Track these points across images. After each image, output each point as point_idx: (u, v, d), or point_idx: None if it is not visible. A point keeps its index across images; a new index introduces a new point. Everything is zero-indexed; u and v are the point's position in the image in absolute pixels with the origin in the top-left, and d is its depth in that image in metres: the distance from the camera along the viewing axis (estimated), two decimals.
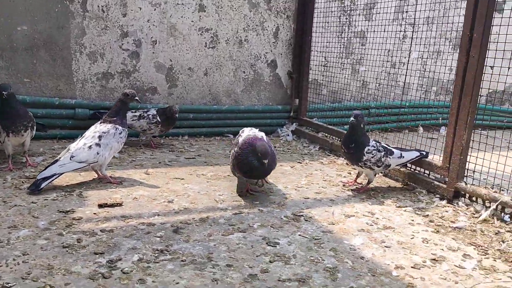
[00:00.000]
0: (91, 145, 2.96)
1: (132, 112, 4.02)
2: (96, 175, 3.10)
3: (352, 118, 3.08)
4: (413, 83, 5.43)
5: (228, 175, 3.40)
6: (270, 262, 2.05)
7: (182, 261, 2.01)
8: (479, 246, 2.33)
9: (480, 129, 3.23)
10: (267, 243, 2.25)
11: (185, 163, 3.69)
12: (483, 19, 2.78)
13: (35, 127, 3.31)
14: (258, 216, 2.61)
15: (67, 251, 2.03)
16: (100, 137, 3.01)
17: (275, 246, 2.22)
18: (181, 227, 2.37)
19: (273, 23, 4.88)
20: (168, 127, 4.11)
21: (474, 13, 2.83)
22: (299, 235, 2.38)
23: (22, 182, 2.91)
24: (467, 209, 2.88)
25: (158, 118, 3.97)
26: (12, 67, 3.92)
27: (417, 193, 3.21)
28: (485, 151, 2.90)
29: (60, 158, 2.90)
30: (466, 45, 2.88)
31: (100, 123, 3.15)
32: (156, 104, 4.46)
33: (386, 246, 2.30)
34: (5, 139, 3.14)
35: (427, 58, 5.84)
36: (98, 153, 2.96)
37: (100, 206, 2.59)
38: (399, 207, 2.90)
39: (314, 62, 5.06)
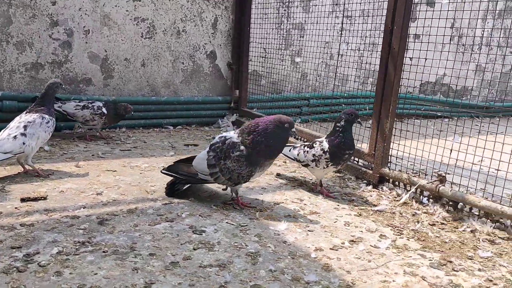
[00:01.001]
0: (16, 135, 2.86)
1: (75, 101, 3.93)
2: (22, 169, 3.00)
3: (358, 119, 2.86)
4: (351, 75, 5.61)
5: (163, 166, 3.38)
6: (194, 249, 2.08)
7: (103, 252, 1.99)
8: (395, 227, 2.48)
9: (409, 118, 3.40)
10: (193, 232, 2.27)
11: (120, 155, 3.63)
12: (402, 13, 2.92)
13: None
14: (189, 206, 2.63)
15: None
16: (25, 126, 2.91)
17: (201, 234, 2.25)
18: (107, 219, 2.35)
19: (212, 13, 4.88)
20: (112, 122, 4.04)
21: (394, 7, 2.97)
22: (227, 222, 2.42)
23: None
24: (390, 193, 3.04)
25: (103, 109, 3.88)
26: None
27: (346, 179, 3.35)
28: (412, 139, 3.07)
29: None
30: (388, 37, 3.03)
31: (26, 113, 3.05)
32: (91, 95, 4.35)
33: (309, 230, 2.39)
34: None
35: (363, 50, 6.04)
36: (24, 143, 2.87)
37: (23, 200, 2.51)
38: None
39: (254, 53, 5.11)
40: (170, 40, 4.71)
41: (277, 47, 5.29)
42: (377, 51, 6.19)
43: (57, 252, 1.96)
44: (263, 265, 1.97)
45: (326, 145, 2.87)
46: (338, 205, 2.81)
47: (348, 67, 5.44)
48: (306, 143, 3.14)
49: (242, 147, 2.51)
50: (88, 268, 1.85)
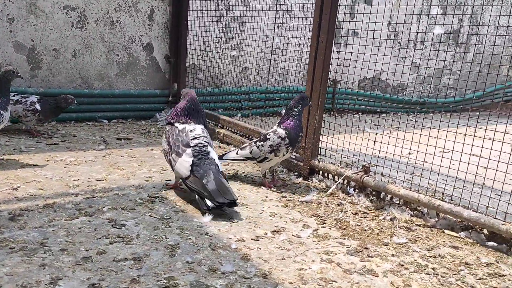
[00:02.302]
0: None
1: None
2: None
3: (310, 102, 2.99)
4: (292, 69, 5.67)
5: (91, 160, 3.26)
6: (110, 243, 2.01)
7: (10, 248, 1.88)
8: (319, 217, 2.51)
9: (348, 113, 3.47)
10: (112, 226, 2.20)
11: (44, 149, 3.46)
12: (329, 7, 2.97)
13: None
14: (112, 200, 2.54)
15: None
16: None
17: (120, 228, 2.18)
18: (19, 214, 2.22)
19: (148, 4, 4.76)
20: (50, 117, 3.84)
21: (322, 1, 3.01)
22: (149, 215, 2.36)
23: None
24: (319, 184, 3.09)
25: (36, 106, 3.67)
26: None
27: (278, 172, 3.37)
28: (345, 133, 3.13)
29: None
30: (316, 31, 3.07)
31: None
32: (17, 87, 4.11)
33: (233, 222, 2.37)
34: None
35: (304, 45, 6.12)
36: None
37: None
38: (257, 185, 3.02)
39: (193, 46, 5.04)
40: (104, 31, 4.55)
41: (217, 40, 5.24)
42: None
43: None
44: (180, 257, 1.93)
45: (282, 132, 2.88)
46: (267, 197, 2.81)
47: (289, 62, 5.51)
48: (254, 140, 3.08)
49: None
50: None
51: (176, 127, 2.78)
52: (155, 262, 1.87)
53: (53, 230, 2.09)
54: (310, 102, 3.00)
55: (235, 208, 2.55)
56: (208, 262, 1.91)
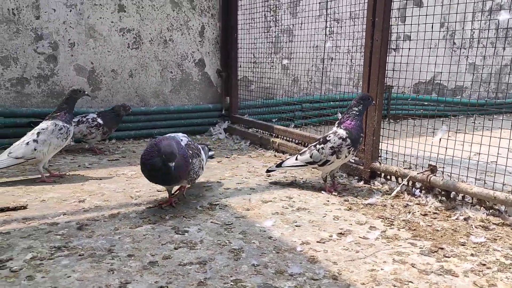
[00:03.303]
0: (28, 142, 2.99)
1: None
2: (40, 176, 3.06)
3: (373, 102, 2.88)
4: (343, 78, 5.57)
5: None
6: (175, 249, 2.00)
7: (79, 255, 1.92)
8: (386, 219, 2.39)
9: (404, 118, 3.33)
10: (175, 232, 2.20)
11: (107, 165, 3.57)
12: (383, 4, 2.88)
13: None
14: (173, 209, 2.55)
15: None
16: (38, 133, 3.04)
17: (184, 234, 2.17)
18: (87, 224, 2.28)
19: (198, 22, 4.87)
20: (112, 128, 3.98)
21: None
22: (211, 222, 2.34)
23: None
24: (382, 187, 2.96)
25: (98, 120, 3.84)
26: None
27: (337, 177, 3.27)
28: (406, 138, 3.00)
29: None
30: (370, 30, 2.98)
31: (45, 119, 3.17)
32: (79, 108, 4.30)
33: (296, 226, 2.30)
34: None
35: (354, 52, 6.01)
36: (35, 149, 2.98)
37: (1, 210, 2.44)
38: (317, 190, 2.93)
39: (243, 59, 5.08)
40: (157, 50, 4.69)
41: (266, 52, 5.26)
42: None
43: (31, 258, 1.88)
44: (246, 261, 1.89)
45: (343, 132, 2.80)
46: (328, 201, 2.72)
47: (340, 71, 5.42)
48: (313, 144, 2.96)
49: None
50: (62, 271, 1.78)
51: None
52: (221, 266, 1.84)
53: (119, 238, 2.12)
54: (374, 102, 2.88)
55: (296, 212, 2.49)
56: (274, 265, 1.85)
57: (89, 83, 4.38)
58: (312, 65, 5.51)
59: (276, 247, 2.03)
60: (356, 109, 2.82)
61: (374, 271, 1.79)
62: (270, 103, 5.16)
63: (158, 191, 2.88)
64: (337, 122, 2.90)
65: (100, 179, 3.12)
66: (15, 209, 2.46)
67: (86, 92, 3.34)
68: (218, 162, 3.75)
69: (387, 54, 2.97)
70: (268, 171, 3.17)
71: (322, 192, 2.88)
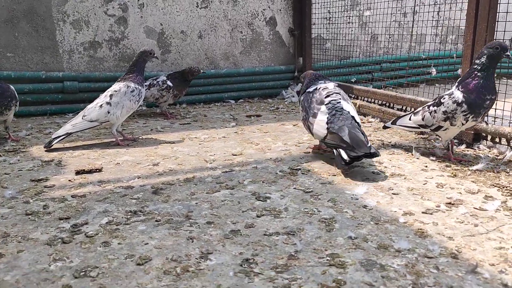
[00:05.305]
0: (102, 104, 2.90)
1: None
2: (114, 139, 2.97)
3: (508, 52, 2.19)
4: (427, 34, 5.01)
5: (224, 136, 3.14)
6: (258, 216, 1.79)
7: (156, 221, 1.76)
8: (504, 187, 2.01)
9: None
10: (256, 198, 1.98)
11: (179, 129, 3.44)
12: None
13: (18, 104, 3.09)
14: (251, 173, 2.34)
15: (29, 218, 1.81)
16: (111, 95, 2.93)
17: (265, 201, 1.95)
18: (162, 188, 2.13)
19: None
20: (182, 91, 3.85)
21: None
22: (294, 188, 2.10)
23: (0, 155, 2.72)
24: (490, 151, 2.55)
25: (168, 82, 3.73)
26: None
27: (432, 140, 2.88)
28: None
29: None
30: None
31: (117, 81, 3.06)
32: (149, 72, 4.20)
33: (393, 194, 2.00)
34: None
35: (441, 4, 5.38)
36: (108, 112, 2.88)
37: (78, 172, 2.36)
38: (411, 154, 2.58)
39: (317, 15, 4.70)
40: (227, 8, 4.44)
41: (342, 8, 4.82)
42: (456, 3, 5.50)
43: (106, 222, 1.76)
44: (340, 232, 1.63)
45: (459, 95, 2.26)
46: (426, 166, 2.37)
47: (425, 26, 4.86)
48: (428, 104, 2.50)
49: None
50: (139, 238, 1.63)
51: (309, 91, 2.56)
52: (312, 237, 1.60)
53: (196, 203, 1.94)
54: (509, 52, 2.18)
55: (391, 179, 2.18)
56: (375, 238, 1.57)
57: (158, 46, 4.25)
58: (393, 20, 4.99)
59: (374, 217, 1.75)
60: (479, 62, 2.22)
61: (503, 250, 1.46)
62: (347, 63, 4.76)
63: (234, 155, 2.68)
64: (457, 81, 2.38)
65: (173, 143, 2.98)
66: (90, 171, 2.38)
67: (155, 55, 3.15)
68: (294, 125, 3.49)
69: (497, 7, 2.48)
70: (385, 127, 2.90)
71: (431, 157, 2.51)
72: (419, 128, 2.53)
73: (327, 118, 2.38)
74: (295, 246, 1.53)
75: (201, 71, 3.80)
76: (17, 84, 3.43)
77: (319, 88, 2.56)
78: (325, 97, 2.48)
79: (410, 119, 2.57)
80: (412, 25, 5.08)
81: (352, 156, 2.19)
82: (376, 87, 4.49)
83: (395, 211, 1.80)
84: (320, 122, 2.39)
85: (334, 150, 2.33)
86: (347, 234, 1.61)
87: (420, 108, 2.55)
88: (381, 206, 1.86)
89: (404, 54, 5.17)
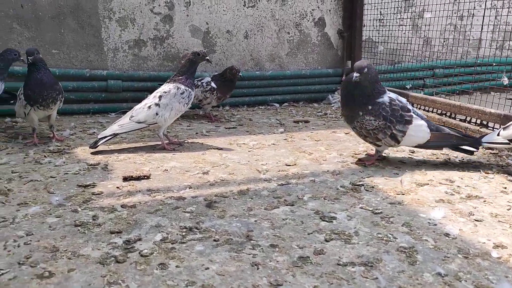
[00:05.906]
0: (150, 105, 2.79)
1: None
2: (160, 143, 2.85)
3: None
4: (484, 39, 4.71)
5: (273, 144, 2.97)
6: (326, 241, 1.61)
7: (214, 240, 1.61)
8: None
9: None
10: (320, 218, 1.80)
11: (224, 133, 3.29)
12: None
13: (63, 100, 2.99)
14: (309, 187, 2.16)
15: (78, 230, 1.69)
16: (160, 97, 2.82)
17: (331, 222, 1.77)
18: (215, 201, 1.97)
19: None
20: (226, 93, 3.69)
21: None
22: (361, 207, 1.91)
23: (44, 156, 2.63)
24: None
25: (212, 84, 3.59)
26: (38, 37, 3.66)
27: (504, 156, 2.63)
28: None
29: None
30: None
31: (166, 82, 2.94)
32: None
33: (476, 220, 1.78)
34: (30, 111, 2.85)
35: (501, 8, 5.05)
36: (157, 114, 2.76)
37: (125, 179, 2.24)
38: (485, 172, 2.35)
39: (368, 17, 4.47)
40: (274, 8, 4.27)
41: (395, 9, 4.57)
42: None
43: (161, 239, 1.61)
44: (425, 267, 1.43)
45: None
46: (506, 188, 2.13)
47: (482, 30, 4.56)
48: None
49: None
50: (198, 260, 1.47)
51: (377, 101, 2.35)
52: (393, 271, 1.40)
53: (255, 221, 1.77)
54: None
55: (468, 201, 1.96)
56: (469, 277, 1.36)
57: (203, 45, 4.12)
58: (449, 24, 4.70)
59: (461, 249, 1.54)
60: None
61: None
62: (399, 69, 4.51)
63: (287, 165, 2.51)
64: None
65: (221, 149, 2.83)
66: (138, 178, 2.25)
67: (207, 57, 2.98)
68: (346, 133, 3.28)
69: None
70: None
71: (509, 177, 2.27)
72: (509, 143, 2.31)
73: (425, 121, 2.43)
74: (377, 281, 1.34)
75: (240, 74, 3.60)
76: (61, 82, 3.34)
77: (393, 97, 2.47)
78: (407, 104, 2.50)
79: (498, 135, 2.34)
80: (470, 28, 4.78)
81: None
82: (428, 95, 4.23)
83: (484, 243, 1.59)
84: (420, 127, 2.40)
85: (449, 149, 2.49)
86: (435, 269, 1.40)
87: (511, 123, 2.34)
88: (465, 235, 1.65)
89: (460, 60, 4.86)
